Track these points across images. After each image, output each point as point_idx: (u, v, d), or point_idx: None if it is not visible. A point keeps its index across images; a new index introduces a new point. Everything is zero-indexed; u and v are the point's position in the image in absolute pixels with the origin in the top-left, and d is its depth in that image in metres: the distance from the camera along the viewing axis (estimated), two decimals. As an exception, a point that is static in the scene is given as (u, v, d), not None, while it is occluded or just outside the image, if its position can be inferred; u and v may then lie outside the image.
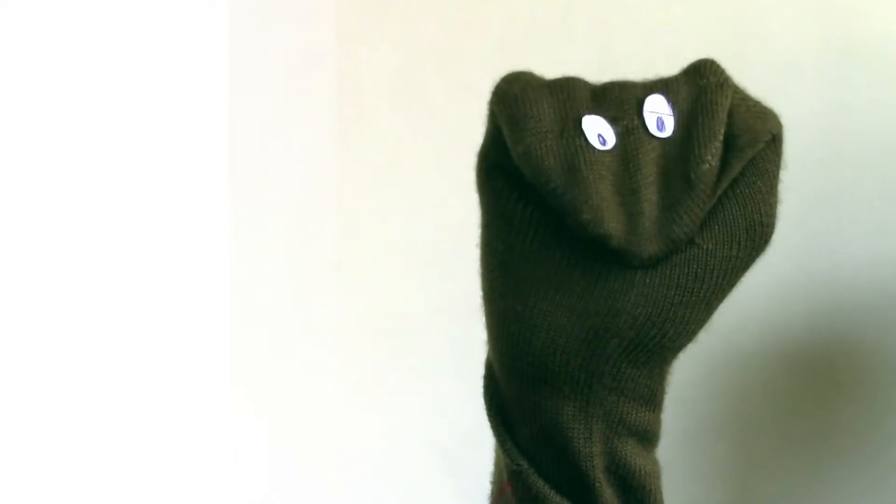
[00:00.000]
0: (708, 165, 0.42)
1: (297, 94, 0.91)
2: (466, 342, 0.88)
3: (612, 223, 0.41)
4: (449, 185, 0.87)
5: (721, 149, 0.43)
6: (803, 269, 0.73)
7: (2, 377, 0.78)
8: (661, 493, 0.46)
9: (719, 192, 0.43)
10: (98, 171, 0.83)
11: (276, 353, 0.94)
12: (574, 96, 0.44)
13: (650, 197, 0.42)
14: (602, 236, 0.41)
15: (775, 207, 0.45)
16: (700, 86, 0.44)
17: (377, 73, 0.89)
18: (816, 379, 0.75)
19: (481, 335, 0.85)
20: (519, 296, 0.44)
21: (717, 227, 0.44)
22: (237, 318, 0.93)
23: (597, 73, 0.79)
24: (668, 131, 0.43)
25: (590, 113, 0.44)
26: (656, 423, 0.46)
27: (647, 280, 0.43)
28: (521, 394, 0.45)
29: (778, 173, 0.45)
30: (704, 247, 0.43)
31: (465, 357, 0.88)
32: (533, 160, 0.42)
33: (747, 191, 0.44)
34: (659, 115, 0.44)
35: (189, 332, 0.90)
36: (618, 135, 0.43)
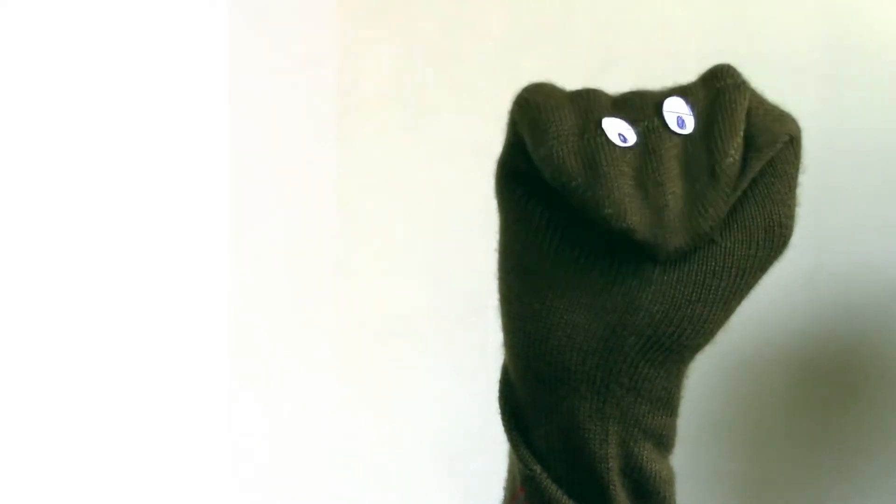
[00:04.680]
0: (732, 159, 0.42)
1: (297, 94, 0.91)
2: (466, 342, 0.88)
3: (635, 217, 0.41)
4: (449, 185, 0.87)
5: (742, 146, 0.43)
6: (803, 269, 0.73)
7: (2, 373, 0.78)
8: (675, 500, 0.46)
9: (739, 191, 0.43)
10: (98, 171, 0.83)
11: (276, 354, 0.94)
12: (594, 102, 0.44)
13: (674, 191, 0.42)
14: (625, 230, 0.41)
15: (794, 209, 0.45)
16: (717, 88, 0.44)
17: (377, 73, 0.89)
18: (815, 379, 0.75)
19: (481, 335, 0.85)
20: (537, 295, 0.44)
21: (735, 227, 0.44)
22: (237, 318, 0.93)
23: (597, 72, 0.79)
24: (689, 129, 0.43)
25: (610, 116, 0.44)
26: (672, 427, 0.46)
27: (665, 277, 0.43)
28: (537, 394, 0.45)
29: (796, 176, 0.45)
30: (723, 244, 0.43)
31: (465, 357, 0.88)
32: (555, 162, 0.42)
33: (766, 191, 0.44)
34: (678, 114, 0.44)
35: (189, 333, 0.90)
36: (638, 134, 0.43)
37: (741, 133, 0.43)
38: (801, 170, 0.45)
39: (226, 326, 0.92)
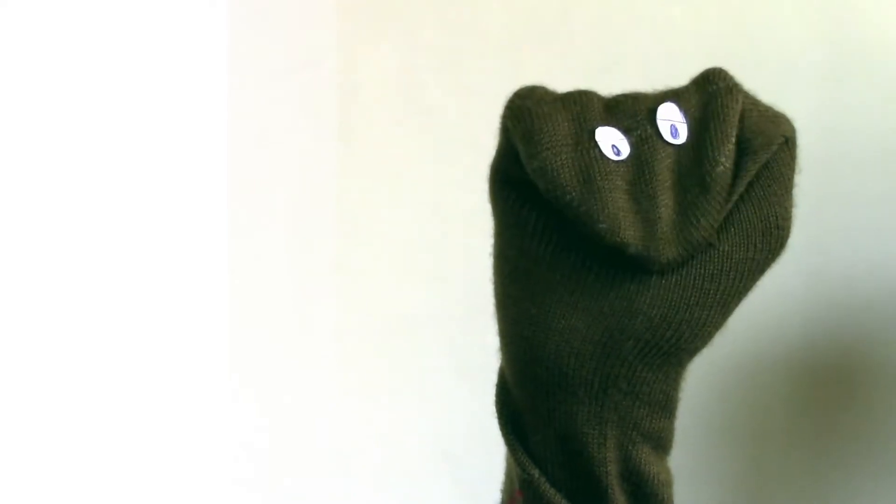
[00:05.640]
0: (722, 167, 0.42)
1: (297, 94, 0.91)
2: (466, 342, 0.88)
3: (628, 231, 0.42)
4: (449, 185, 0.87)
5: (734, 151, 0.43)
6: (803, 269, 0.73)
7: (2, 374, 0.78)
8: (673, 502, 0.46)
9: (735, 195, 0.43)
10: (98, 171, 0.83)
11: (275, 353, 0.94)
12: (587, 108, 0.44)
13: (667, 202, 0.42)
14: (620, 244, 0.42)
15: (790, 210, 0.45)
16: (710, 92, 0.44)
17: (377, 73, 0.89)
18: (815, 380, 0.75)
19: (481, 335, 0.85)
20: (533, 299, 0.44)
21: (732, 229, 0.44)
22: (237, 317, 0.93)
23: (597, 73, 0.79)
24: (682, 138, 0.44)
25: (603, 125, 0.44)
26: (670, 430, 0.46)
27: (663, 281, 0.43)
28: (535, 400, 0.45)
29: (793, 177, 0.45)
30: (720, 248, 0.43)
31: (465, 357, 0.88)
32: (549, 175, 0.42)
33: (762, 193, 0.44)
34: (672, 122, 0.44)
35: (189, 332, 0.90)
36: (632, 145, 0.44)
37: (733, 139, 0.43)
38: (797, 171, 0.45)
39: (226, 326, 0.92)
